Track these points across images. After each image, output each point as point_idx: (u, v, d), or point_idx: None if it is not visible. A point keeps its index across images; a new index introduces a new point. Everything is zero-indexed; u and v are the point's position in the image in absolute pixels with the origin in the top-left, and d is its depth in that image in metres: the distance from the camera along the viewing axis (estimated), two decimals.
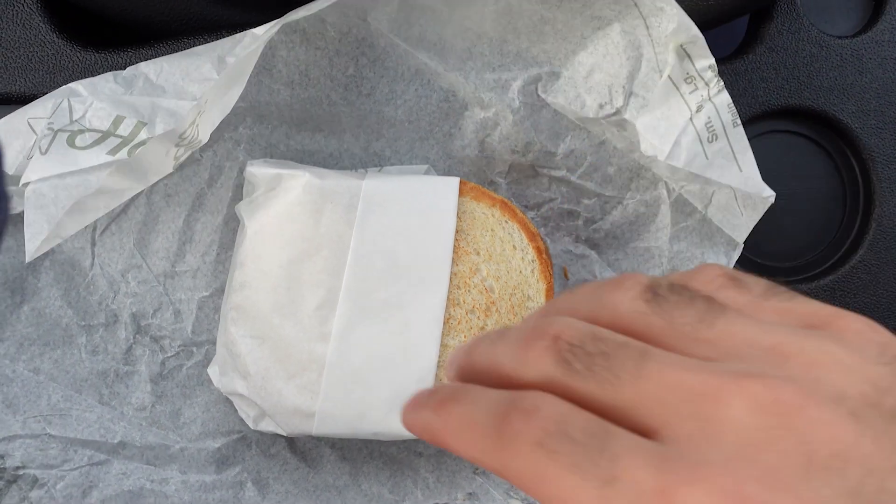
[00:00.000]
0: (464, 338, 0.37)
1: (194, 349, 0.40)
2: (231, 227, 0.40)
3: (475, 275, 0.37)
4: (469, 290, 0.37)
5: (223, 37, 0.39)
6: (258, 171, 0.34)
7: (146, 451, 0.40)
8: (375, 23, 0.39)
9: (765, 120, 0.44)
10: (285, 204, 0.33)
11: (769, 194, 0.40)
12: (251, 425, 0.36)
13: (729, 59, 0.43)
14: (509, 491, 0.42)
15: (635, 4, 0.38)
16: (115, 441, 0.40)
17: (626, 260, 0.43)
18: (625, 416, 0.17)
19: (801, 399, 0.16)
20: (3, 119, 0.36)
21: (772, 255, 0.44)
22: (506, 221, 0.39)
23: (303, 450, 0.41)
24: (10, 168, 0.37)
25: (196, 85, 0.37)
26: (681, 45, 0.38)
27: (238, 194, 0.40)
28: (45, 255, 0.40)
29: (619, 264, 0.43)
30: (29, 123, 0.36)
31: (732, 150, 0.39)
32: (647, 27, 0.39)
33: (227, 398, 0.40)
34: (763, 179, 0.40)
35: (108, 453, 0.40)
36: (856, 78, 0.43)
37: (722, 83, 0.38)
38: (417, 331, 0.36)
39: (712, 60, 0.38)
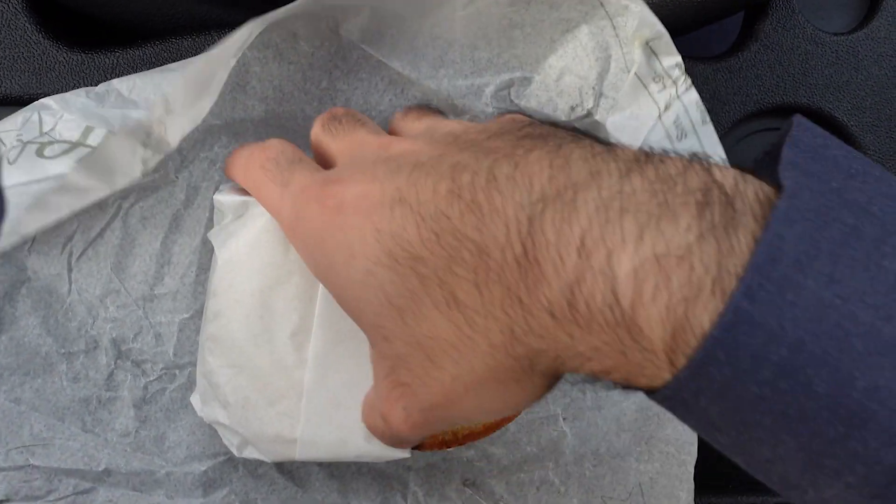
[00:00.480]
0: None
1: (177, 372, 0.40)
2: (209, 248, 0.40)
3: None
4: None
5: (211, 36, 0.38)
6: (225, 198, 0.34)
7: (132, 478, 0.40)
8: (347, 34, 0.39)
9: (760, 118, 0.43)
10: (254, 231, 0.32)
11: None
12: (235, 453, 0.35)
13: (723, 57, 0.43)
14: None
15: (601, 4, 0.38)
16: (100, 469, 0.39)
17: None
18: (333, 157, 0.30)
19: (397, 139, 0.28)
20: None
21: None
22: None
23: (290, 469, 0.41)
24: None
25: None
26: (647, 43, 0.38)
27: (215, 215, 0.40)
28: (21, 282, 0.39)
29: None
30: None
31: (703, 147, 0.39)
32: (615, 27, 0.38)
33: None
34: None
35: (94, 481, 0.39)
36: (851, 75, 0.43)
37: (689, 81, 0.38)
38: None
39: (679, 58, 0.38)
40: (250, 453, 0.35)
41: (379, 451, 0.33)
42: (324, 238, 0.26)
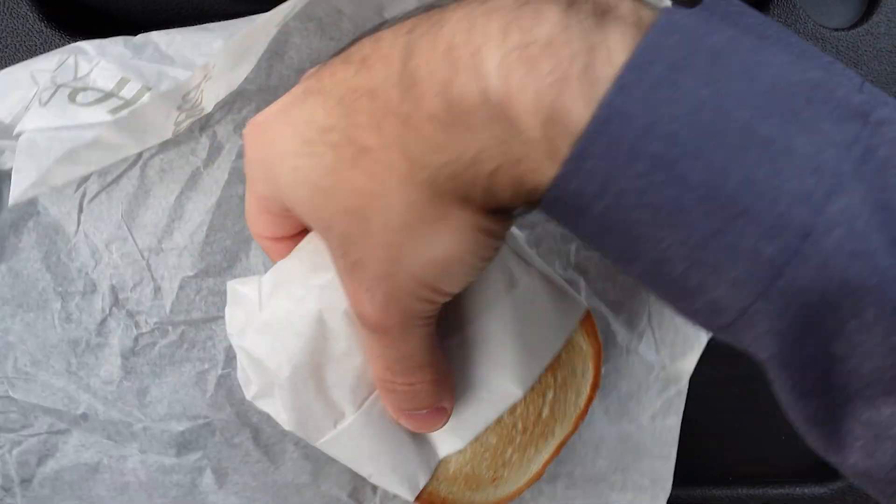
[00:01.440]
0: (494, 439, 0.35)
1: (170, 328, 0.40)
2: (223, 210, 0.39)
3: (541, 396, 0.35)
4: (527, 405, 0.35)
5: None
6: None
7: (108, 426, 0.39)
8: (392, 18, 0.39)
9: None
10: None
11: None
12: (247, 395, 0.32)
13: None
14: None
15: None
16: (78, 412, 0.39)
17: (613, 291, 0.43)
18: None
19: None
20: (6, 69, 0.36)
21: None
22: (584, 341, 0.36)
23: (266, 443, 0.40)
24: (6, 117, 0.36)
25: (205, 59, 0.37)
26: None
27: (235, 177, 0.40)
28: (30, 215, 0.39)
29: (605, 294, 0.43)
30: (32, 75, 0.35)
31: None
32: None
33: (198, 383, 0.40)
34: None
35: (70, 423, 0.39)
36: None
37: None
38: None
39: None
40: (266, 405, 0.32)
41: (386, 487, 0.33)
42: (263, 159, 0.27)
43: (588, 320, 0.35)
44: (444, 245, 0.25)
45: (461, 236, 0.25)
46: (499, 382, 0.33)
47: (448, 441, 0.34)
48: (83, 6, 0.40)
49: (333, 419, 0.31)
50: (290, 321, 0.29)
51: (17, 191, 0.33)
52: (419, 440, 0.34)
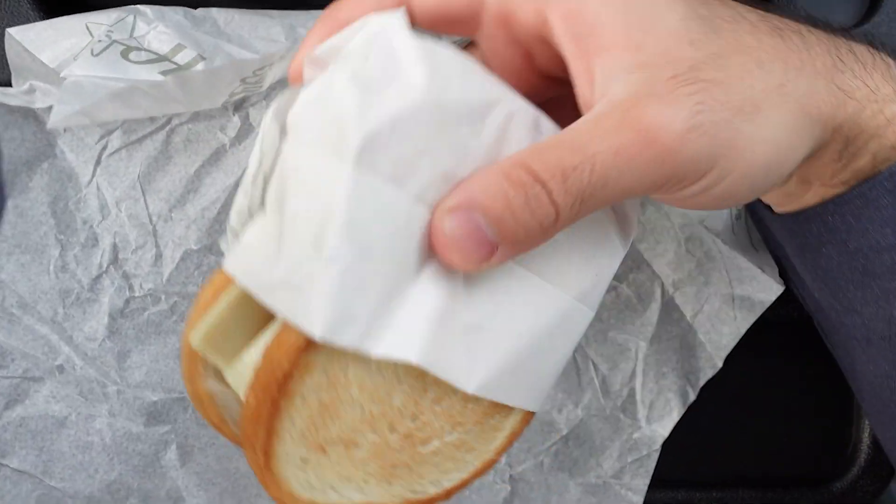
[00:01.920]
0: None
1: (163, 297, 0.40)
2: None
3: None
4: None
5: None
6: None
7: (83, 383, 0.39)
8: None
9: None
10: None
11: (775, 291, 0.40)
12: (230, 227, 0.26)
13: None
14: None
15: None
16: (56, 363, 0.39)
17: (603, 346, 0.43)
18: None
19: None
20: (61, 17, 0.35)
21: None
22: None
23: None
24: (52, 62, 0.35)
25: (261, 42, 0.37)
26: None
27: None
28: (46, 157, 0.38)
29: (592, 348, 0.43)
30: (87, 27, 0.35)
31: (748, 230, 0.40)
32: None
33: (179, 356, 0.39)
34: None
35: (45, 373, 0.39)
36: None
37: None
38: None
39: None
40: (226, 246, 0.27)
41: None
42: None
43: None
44: (791, 136, 0.25)
45: (803, 143, 0.25)
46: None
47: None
48: (84, 5, 0.39)
49: None
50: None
51: (59, 115, 0.32)
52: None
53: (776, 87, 0.24)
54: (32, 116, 0.38)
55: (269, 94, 0.39)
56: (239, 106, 0.39)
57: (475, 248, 0.22)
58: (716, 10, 0.25)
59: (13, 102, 0.36)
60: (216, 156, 0.39)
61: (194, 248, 0.39)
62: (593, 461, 0.42)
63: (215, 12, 0.36)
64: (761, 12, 0.26)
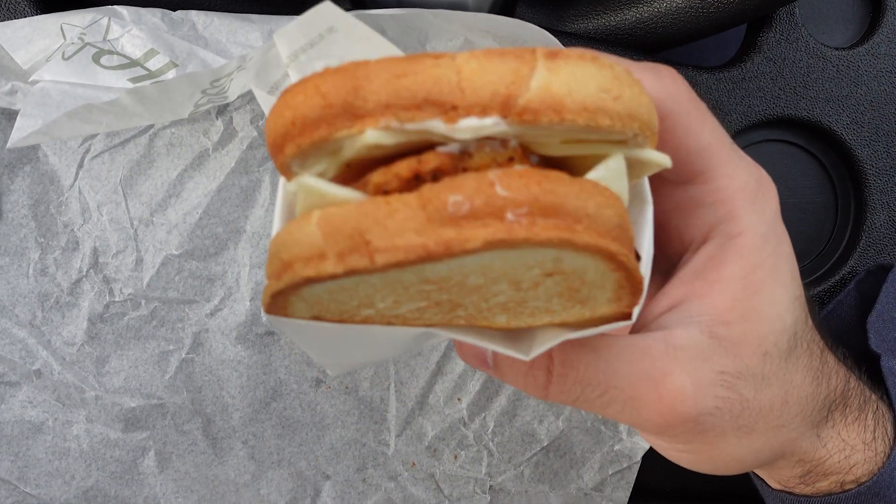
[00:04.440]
0: None
1: (143, 302, 0.39)
2: (222, 197, 0.39)
3: None
4: None
5: None
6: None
7: (60, 388, 0.38)
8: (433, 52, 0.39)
9: (760, 129, 0.44)
10: None
11: None
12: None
13: (726, 67, 0.43)
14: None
15: None
16: (33, 367, 0.38)
17: None
18: None
19: None
20: (35, 17, 0.35)
21: None
22: None
23: (216, 436, 0.40)
24: (25, 63, 0.35)
25: (238, 48, 0.36)
26: None
27: (241, 167, 0.39)
28: (29, 160, 0.38)
29: None
30: (61, 28, 0.35)
31: None
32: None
33: (160, 362, 0.39)
34: None
35: (22, 377, 0.38)
36: (851, 89, 0.43)
37: None
38: None
39: None
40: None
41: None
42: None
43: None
44: (761, 447, 0.27)
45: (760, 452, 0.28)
46: None
47: None
48: (81, 2, 0.39)
49: None
50: None
51: (19, 135, 0.32)
52: None
53: (777, 427, 0.27)
54: (15, 118, 0.37)
55: (251, 99, 0.39)
56: (222, 110, 0.39)
57: (476, 363, 0.27)
58: (802, 338, 0.27)
59: None
60: (199, 160, 0.39)
61: (175, 253, 0.39)
62: (574, 473, 0.42)
63: (194, 15, 0.36)
64: (823, 344, 0.29)
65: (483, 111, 0.18)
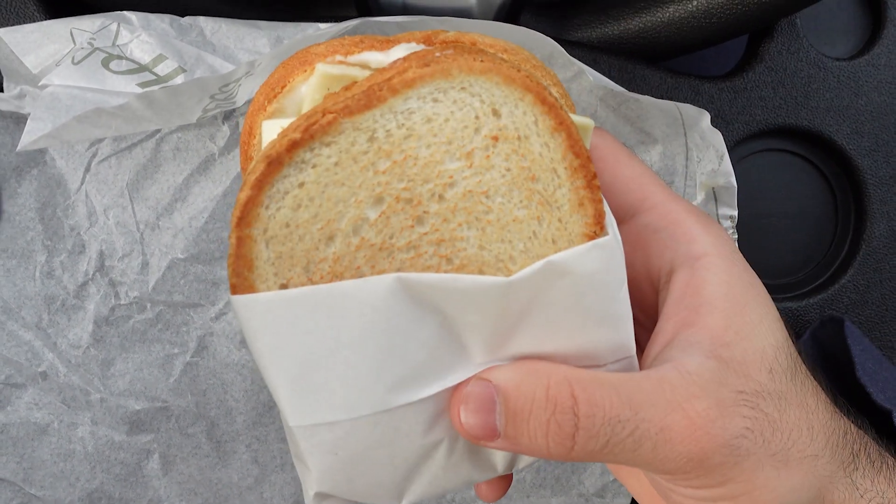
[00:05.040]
0: None
1: (148, 305, 0.39)
2: (228, 202, 0.39)
3: None
4: None
5: None
6: None
7: (65, 390, 0.39)
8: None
9: (760, 138, 0.44)
10: None
11: None
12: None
13: (728, 77, 0.43)
14: None
15: (684, 134, 0.38)
16: (39, 370, 0.38)
17: None
18: None
19: None
20: (45, 21, 0.35)
21: (762, 271, 0.44)
22: None
23: (220, 439, 0.40)
24: (35, 67, 0.35)
25: (246, 54, 0.37)
26: (713, 189, 0.38)
27: None
28: (36, 163, 0.38)
29: None
30: (71, 32, 0.35)
31: None
32: (687, 159, 0.39)
33: (164, 365, 0.39)
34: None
35: (27, 379, 0.38)
36: (851, 100, 0.43)
37: (736, 235, 0.39)
38: None
39: (735, 212, 0.39)
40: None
41: None
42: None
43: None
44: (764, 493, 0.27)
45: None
46: None
47: None
48: (89, 5, 0.39)
49: None
50: None
51: (29, 138, 0.32)
52: None
53: (811, 457, 0.26)
54: (23, 122, 0.38)
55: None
56: (229, 115, 0.39)
57: (480, 425, 0.24)
58: (799, 360, 0.27)
59: (3, 107, 0.36)
60: (205, 164, 0.39)
61: (181, 256, 0.39)
62: (575, 479, 0.42)
63: (202, 21, 0.36)
64: (820, 387, 0.28)
65: (409, 41, 0.26)
